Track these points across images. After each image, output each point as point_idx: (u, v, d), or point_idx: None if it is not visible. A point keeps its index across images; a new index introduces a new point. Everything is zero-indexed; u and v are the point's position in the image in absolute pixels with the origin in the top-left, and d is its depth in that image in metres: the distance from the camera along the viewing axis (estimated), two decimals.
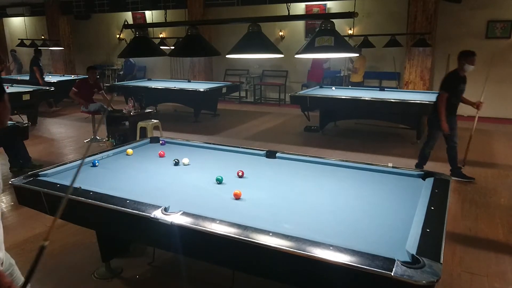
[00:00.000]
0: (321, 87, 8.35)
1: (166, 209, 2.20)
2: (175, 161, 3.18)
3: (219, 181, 2.75)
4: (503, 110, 8.67)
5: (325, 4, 9.94)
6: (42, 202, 2.62)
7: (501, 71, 8.38)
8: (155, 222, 2.12)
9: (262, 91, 11.54)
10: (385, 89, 8.13)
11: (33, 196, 2.68)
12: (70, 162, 3.18)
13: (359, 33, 9.33)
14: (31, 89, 8.47)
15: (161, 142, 3.86)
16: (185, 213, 2.13)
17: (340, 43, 2.30)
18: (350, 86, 8.87)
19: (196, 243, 2.16)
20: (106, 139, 6.62)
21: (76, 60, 13.38)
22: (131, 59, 12.52)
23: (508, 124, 8.27)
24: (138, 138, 5.99)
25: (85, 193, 2.45)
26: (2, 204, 4.50)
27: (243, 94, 11.48)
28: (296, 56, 2.50)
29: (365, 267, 1.64)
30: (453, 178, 4.27)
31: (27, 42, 10.74)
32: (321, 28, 2.33)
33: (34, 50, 10.08)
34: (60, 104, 10.47)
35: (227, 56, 2.68)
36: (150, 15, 11.78)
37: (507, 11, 8.34)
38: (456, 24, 8.71)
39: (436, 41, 8.41)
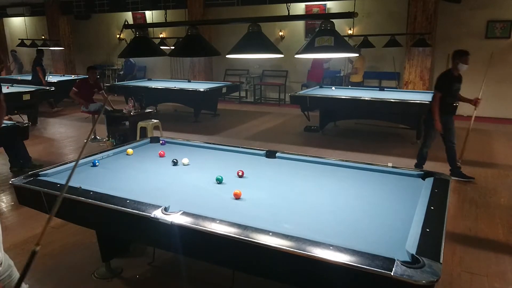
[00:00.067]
0: (321, 87, 8.35)
1: (166, 209, 2.20)
2: (174, 161, 3.18)
3: (219, 181, 2.75)
4: (503, 110, 8.67)
5: (325, 4, 9.94)
6: (42, 202, 2.62)
7: (500, 71, 8.38)
8: (155, 222, 2.13)
9: (262, 91, 11.54)
10: (385, 89, 8.13)
11: (33, 196, 2.68)
12: (70, 162, 3.18)
13: (359, 33, 9.33)
14: (31, 89, 8.48)
15: (161, 142, 3.86)
16: (185, 213, 2.13)
17: (340, 43, 2.30)
18: (350, 86, 8.87)
19: (196, 243, 2.16)
20: (106, 139, 6.63)
21: (76, 60, 13.38)
22: (131, 59, 12.53)
23: (508, 124, 8.27)
24: (138, 138, 5.98)
25: (85, 193, 2.45)
26: (2, 204, 4.50)
27: (243, 94, 11.48)
28: (296, 56, 2.50)
29: (365, 267, 1.64)
30: (452, 178, 4.27)
31: (28, 42, 10.74)
32: (321, 28, 2.33)
33: (37, 51, 10.09)
34: (60, 104, 10.47)
35: (227, 56, 2.68)
36: (150, 15, 11.78)
37: (507, 11, 8.34)
38: (456, 24, 8.71)
39: (436, 41, 8.42)
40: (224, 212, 2.17)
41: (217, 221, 2.04)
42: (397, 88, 8.96)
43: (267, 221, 2.08)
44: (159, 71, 12.80)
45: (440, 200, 2.36)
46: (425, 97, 6.52)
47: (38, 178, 2.76)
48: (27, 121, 6.26)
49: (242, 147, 3.63)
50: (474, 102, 4.96)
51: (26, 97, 8.07)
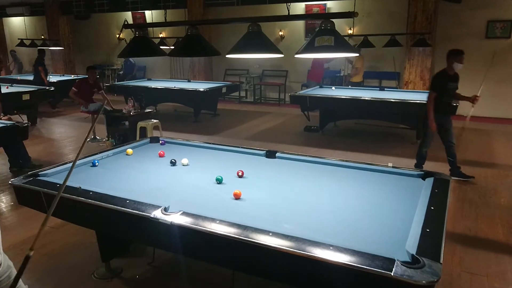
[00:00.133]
0: (321, 87, 8.34)
1: (166, 209, 2.20)
2: (172, 161, 3.17)
3: (219, 181, 2.75)
4: (503, 110, 8.67)
5: (325, 4, 9.93)
6: (42, 202, 2.62)
7: (501, 71, 8.38)
8: (155, 222, 2.12)
9: (262, 91, 11.53)
10: (385, 89, 8.13)
11: (33, 196, 2.68)
12: (70, 162, 3.17)
13: (359, 33, 9.33)
14: (31, 89, 8.47)
15: (161, 142, 3.86)
16: (185, 213, 2.13)
17: (340, 43, 2.30)
18: (350, 86, 8.87)
19: (196, 243, 2.16)
20: (106, 139, 6.62)
21: (76, 60, 13.38)
22: (131, 59, 12.52)
23: (508, 124, 8.27)
24: (138, 138, 5.98)
25: (85, 193, 2.45)
26: (2, 204, 4.50)
27: (243, 94, 11.47)
28: (296, 56, 2.49)
29: (365, 267, 1.64)
30: (452, 178, 4.27)
31: (27, 42, 10.74)
32: (321, 28, 2.33)
33: (38, 51, 10.08)
34: (60, 104, 10.47)
35: (227, 56, 2.67)
36: (150, 15, 11.78)
37: (507, 11, 8.33)
38: (456, 24, 8.71)
39: (436, 41, 8.41)
40: (224, 212, 2.17)
41: (217, 221, 2.03)
42: (397, 88, 8.96)
43: (267, 221, 2.08)
44: (159, 71, 12.80)
45: (440, 200, 2.36)
46: (425, 97, 6.49)
47: (38, 178, 2.76)
48: (26, 121, 6.26)
49: (242, 147, 3.63)
50: (472, 100, 4.95)
51: (26, 97, 8.06)
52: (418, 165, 5.17)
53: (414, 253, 1.75)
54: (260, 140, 7.08)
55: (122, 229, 2.53)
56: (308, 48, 2.37)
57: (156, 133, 6.12)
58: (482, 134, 7.40)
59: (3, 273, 1.79)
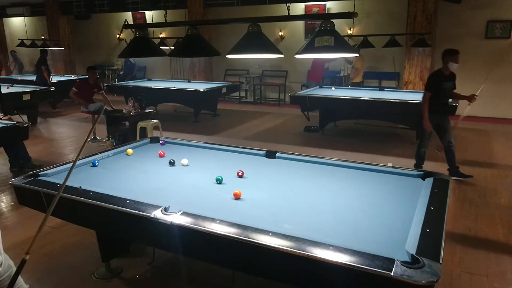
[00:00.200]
0: (321, 87, 8.35)
1: (166, 209, 2.20)
2: (171, 162, 3.17)
3: (219, 181, 2.75)
4: (502, 110, 8.68)
5: (325, 4, 9.94)
6: (42, 202, 2.62)
7: (501, 71, 8.38)
8: (155, 222, 2.13)
9: (262, 91, 11.54)
10: (385, 89, 8.14)
11: (33, 196, 2.68)
12: (70, 162, 3.17)
13: (359, 33, 9.33)
14: (31, 89, 8.47)
15: (161, 142, 3.86)
16: (185, 213, 2.13)
17: (340, 43, 2.30)
18: (349, 86, 8.87)
19: (196, 243, 2.16)
20: (106, 139, 6.63)
21: (76, 60, 13.38)
22: (131, 59, 12.53)
23: (507, 124, 8.27)
24: (138, 138, 5.99)
25: (85, 193, 2.45)
26: (2, 204, 4.50)
27: (243, 94, 11.48)
28: (296, 56, 2.50)
29: (365, 267, 1.64)
30: (451, 177, 4.27)
31: (27, 42, 10.74)
32: (321, 28, 2.33)
33: (41, 51, 10.07)
34: (60, 104, 10.48)
35: (227, 56, 2.68)
36: (150, 15, 11.78)
37: (507, 11, 8.34)
38: (456, 24, 8.71)
39: (436, 41, 8.42)
40: (224, 212, 2.17)
41: (217, 221, 2.04)
42: (397, 88, 8.96)
43: (267, 221, 2.08)
44: (159, 71, 12.80)
45: (440, 200, 2.36)
46: None
47: (38, 178, 2.76)
48: (27, 121, 6.26)
49: (242, 147, 3.63)
50: (470, 98, 4.93)
51: (26, 97, 8.07)
52: (418, 166, 5.18)
53: (414, 253, 1.75)
54: (260, 140, 7.08)
55: (122, 229, 2.53)
56: (308, 48, 2.37)
57: (156, 133, 6.13)
58: (482, 134, 7.41)
59: (4, 273, 1.79)
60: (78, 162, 3.12)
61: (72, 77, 11.08)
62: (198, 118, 8.74)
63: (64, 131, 8.11)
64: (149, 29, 11.13)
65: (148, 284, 3.00)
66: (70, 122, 8.89)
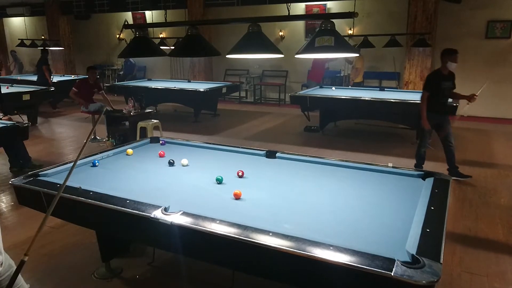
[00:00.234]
0: (321, 87, 8.35)
1: (166, 209, 2.20)
2: (170, 162, 3.17)
3: (219, 181, 2.75)
4: (502, 110, 8.68)
5: (325, 4, 9.93)
6: (42, 202, 2.62)
7: (501, 71, 8.38)
8: (155, 222, 2.12)
9: (262, 91, 11.54)
10: (385, 89, 8.14)
11: (33, 196, 2.68)
12: (70, 162, 3.17)
13: (359, 33, 9.33)
14: (31, 89, 8.47)
15: (161, 142, 3.86)
16: (185, 213, 2.13)
17: (340, 43, 2.30)
18: (350, 86, 8.87)
19: (196, 243, 2.16)
20: (106, 139, 6.62)
21: (76, 60, 13.38)
22: (131, 59, 12.53)
23: (507, 124, 8.27)
24: (138, 138, 5.99)
25: (85, 193, 2.45)
26: (2, 204, 4.50)
27: (243, 94, 11.47)
28: (296, 56, 2.50)
29: (365, 267, 1.64)
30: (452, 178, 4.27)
31: (27, 42, 10.74)
32: (321, 28, 2.33)
33: (42, 51, 10.07)
34: (60, 104, 10.48)
35: (227, 56, 2.68)
36: (150, 15, 11.78)
37: (507, 11, 8.34)
38: (456, 24, 8.71)
39: (436, 41, 8.42)
40: (224, 212, 2.17)
41: (217, 221, 2.04)
42: (397, 88, 8.96)
43: (267, 221, 2.08)
44: (159, 71, 12.80)
45: (440, 200, 2.36)
46: None
47: (38, 178, 2.76)
48: (27, 121, 6.26)
49: (242, 147, 3.63)
50: (469, 98, 4.91)
51: (26, 97, 8.07)
52: (418, 166, 5.18)
53: (414, 253, 1.75)
54: (260, 140, 7.08)
55: (122, 229, 2.53)
56: (308, 48, 2.37)
57: (156, 133, 6.12)
58: (482, 134, 7.41)
59: (5, 272, 1.80)
60: (78, 162, 3.12)
61: (72, 77, 11.08)
62: (198, 118, 8.74)
63: (64, 131, 8.11)
64: (149, 29, 11.13)
65: (148, 284, 3.00)
66: (70, 122, 8.89)
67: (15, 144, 5.28)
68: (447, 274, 3.03)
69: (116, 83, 11.26)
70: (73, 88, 7.02)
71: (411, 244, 1.83)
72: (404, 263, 1.66)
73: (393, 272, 1.59)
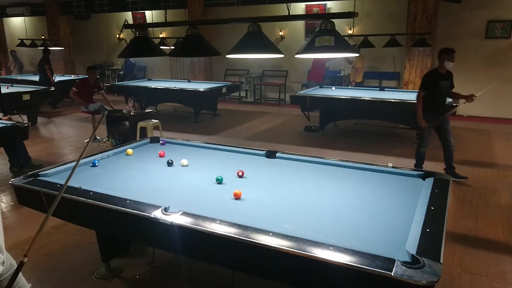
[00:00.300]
0: (321, 87, 8.35)
1: (166, 209, 2.20)
2: (169, 162, 3.16)
3: (219, 181, 2.75)
4: (503, 110, 8.67)
5: (325, 4, 9.94)
6: (42, 202, 2.62)
7: (501, 71, 8.38)
8: (155, 222, 2.12)
9: (262, 91, 11.54)
10: (385, 89, 8.13)
11: (33, 196, 2.68)
12: (70, 162, 3.18)
13: (359, 33, 9.33)
14: (31, 89, 8.47)
15: (161, 142, 3.86)
16: (185, 213, 2.13)
17: (340, 43, 2.30)
18: (350, 86, 8.87)
19: (196, 243, 2.16)
20: (106, 139, 6.63)
21: (76, 60, 13.39)
22: (131, 59, 12.52)
23: (507, 124, 8.27)
24: (138, 138, 5.99)
25: (85, 193, 2.45)
26: (2, 204, 4.50)
27: (243, 94, 11.48)
28: (296, 56, 2.50)
29: (365, 267, 1.64)
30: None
31: (27, 42, 10.74)
32: (321, 28, 2.33)
33: (44, 51, 10.07)
34: (60, 104, 10.48)
35: (227, 56, 2.68)
36: (150, 15, 11.78)
37: (507, 11, 8.34)
38: (456, 24, 8.71)
39: (436, 41, 8.42)
40: (224, 212, 2.17)
41: (217, 221, 2.04)
42: (397, 88, 8.96)
43: (267, 221, 2.08)
44: (159, 71, 12.80)
45: (440, 200, 2.36)
46: None
47: (38, 178, 2.76)
48: (27, 121, 6.26)
49: (242, 147, 3.63)
50: (468, 98, 4.86)
51: (26, 97, 8.06)
52: (418, 166, 5.17)
53: (414, 253, 1.75)
54: (260, 140, 7.08)
55: (122, 229, 2.53)
56: (308, 48, 2.37)
57: (156, 133, 6.13)
58: (482, 134, 7.40)
59: (6, 272, 1.80)
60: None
61: (72, 77, 11.07)
62: (198, 118, 8.74)
63: (64, 131, 8.11)
64: (149, 29, 11.13)
65: (148, 284, 3.00)
66: (70, 122, 8.89)
67: (15, 144, 5.28)
68: (447, 274, 3.03)
69: (116, 83, 11.26)
70: (73, 88, 7.03)
71: (411, 244, 1.83)
72: (404, 263, 1.66)
73: (393, 272, 1.59)
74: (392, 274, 1.59)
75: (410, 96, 6.76)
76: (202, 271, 3.08)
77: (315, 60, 8.73)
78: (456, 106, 5.55)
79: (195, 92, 8.31)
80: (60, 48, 11.99)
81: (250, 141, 6.89)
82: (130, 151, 3.52)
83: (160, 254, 3.24)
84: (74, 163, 3.09)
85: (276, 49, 2.61)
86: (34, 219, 3.76)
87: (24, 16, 12.68)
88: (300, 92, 7.98)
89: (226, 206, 2.37)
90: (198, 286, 2.99)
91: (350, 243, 1.80)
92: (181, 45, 3.03)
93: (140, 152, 3.58)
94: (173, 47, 6.89)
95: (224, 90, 9.05)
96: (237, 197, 2.47)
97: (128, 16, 12.53)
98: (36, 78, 10.43)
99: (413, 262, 1.68)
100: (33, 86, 9.02)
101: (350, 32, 9.56)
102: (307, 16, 8.50)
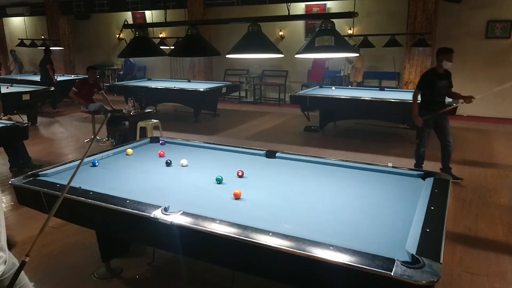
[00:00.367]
0: (321, 87, 8.35)
1: (166, 209, 2.20)
2: (168, 162, 3.16)
3: (219, 181, 2.75)
4: (503, 110, 8.67)
5: (325, 4, 9.94)
6: (42, 202, 2.62)
7: (501, 71, 8.37)
8: (155, 222, 2.12)
9: (262, 91, 11.54)
10: (385, 89, 8.13)
11: (33, 196, 2.68)
12: (70, 162, 3.18)
13: (359, 33, 9.33)
14: (31, 89, 8.47)
15: (161, 142, 3.86)
16: (185, 213, 2.13)
17: (340, 43, 2.30)
18: (350, 86, 8.87)
19: (196, 243, 2.16)
20: (106, 139, 6.63)
21: (76, 60, 13.38)
22: (131, 59, 12.52)
23: (508, 124, 8.27)
24: (138, 138, 5.98)
25: (85, 193, 2.45)
26: (2, 204, 4.49)
27: (243, 94, 11.48)
28: (296, 56, 2.50)
29: (365, 267, 1.64)
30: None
31: (27, 42, 10.74)
32: (321, 28, 2.33)
33: (45, 50, 10.07)
34: (60, 104, 10.48)
35: (227, 56, 2.68)
36: (150, 15, 11.78)
37: (507, 11, 8.34)
38: (456, 24, 8.71)
39: (436, 41, 8.41)
40: (224, 212, 2.17)
41: (217, 221, 2.03)
42: (397, 88, 8.96)
43: (267, 221, 2.08)
44: (159, 71, 12.80)
45: (440, 200, 2.36)
46: None
47: (38, 178, 2.76)
48: (26, 121, 6.26)
49: (242, 147, 3.63)
50: (466, 98, 4.81)
51: (26, 97, 8.06)
52: (418, 165, 5.17)
53: (414, 253, 1.75)
54: (260, 140, 7.08)
55: (122, 229, 2.53)
56: (308, 48, 2.37)
57: (156, 133, 6.12)
58: (482, 134, 7.40)
59: (8, 271, 1.81)
60: (78, 162, 3.12)
61: (72, 77, 11.07)
62: (198, 118, 8.74)
63: (64, 131, 8.11)
64: (149, 29, 11.13)
65: (148, 284, 3.00)
66: (70, 122, 8.89)
67: (15, 144, 5.28)
68: (447, 274, 3.03)
69: (116, 83, 11.26)
70: (73, 88, 7.02)
71: (411, 244, 1.83)
72: (404, 263, 1.66)
73: (393, 272, 1.59)
74: (392, 274, 1.59)
75: (410, 96, 6.74)
76: (202, 271, 3.08)
77: (315, 60, 8.73)
78: (456, 106, 5.55)
79: (195, 92, 8.31)
80: (60, 48, 11.99)
81: (250, 141, 6.89)
82: (130, 151, 3.52)
83: (160, 254, 3.24)
84: (74, 163, 3.11)
85: (276, 49, 2.61)
86: (34, 219, 3.76)
87: (24, 16, 12.68)
88: (300, 92, 7.98)
89: (226, 206, 2.37)
90: (198, 286, 2.99)
91: (350, 243, 1.80)
92: (181, 45, 3.03)
93: (140, 152, 3.58)
94: (173, 47, 6.89)
95: (224, 90, 9.05)
96: (237, 197, 2.47)
97: (128, 16, 12.53)
98: (36, 78, 10.43)
99: (413, 262, 1.68)
100: (33, 86, 9.02)
101: (350, 32, 9.56)
102: (307, 16, 8.51)
